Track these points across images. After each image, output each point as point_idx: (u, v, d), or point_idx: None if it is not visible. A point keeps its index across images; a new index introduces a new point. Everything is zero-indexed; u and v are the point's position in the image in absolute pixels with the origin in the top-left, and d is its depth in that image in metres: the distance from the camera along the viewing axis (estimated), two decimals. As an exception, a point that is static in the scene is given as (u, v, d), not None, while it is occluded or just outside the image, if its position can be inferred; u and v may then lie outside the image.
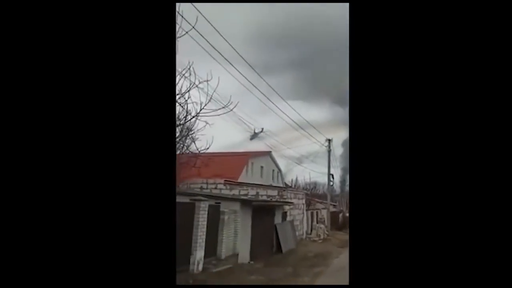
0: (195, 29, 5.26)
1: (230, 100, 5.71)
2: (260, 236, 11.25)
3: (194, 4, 5.75)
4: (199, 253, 8.09)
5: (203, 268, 8.14)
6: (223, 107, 5.59)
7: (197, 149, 7.36)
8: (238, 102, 5.75)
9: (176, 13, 4.77)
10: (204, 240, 8.29)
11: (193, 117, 5.58)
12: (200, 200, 8.42)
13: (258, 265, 9.77)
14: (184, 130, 10.38)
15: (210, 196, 9.85)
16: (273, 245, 12.37)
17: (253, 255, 10.50)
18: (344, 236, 18.49)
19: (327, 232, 18.83)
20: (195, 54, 6.20)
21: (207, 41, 7.87)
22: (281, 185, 20.81)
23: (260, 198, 13.86)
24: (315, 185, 32.92)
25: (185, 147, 11.14)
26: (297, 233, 15.53)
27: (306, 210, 18.79)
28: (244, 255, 10.28)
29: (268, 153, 21.35)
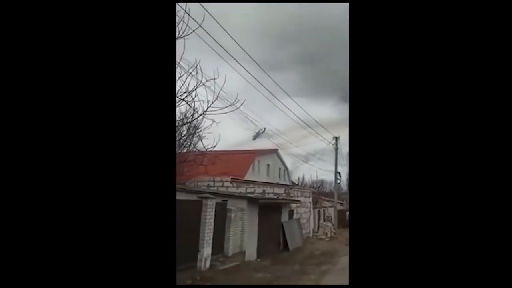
0: (201, 27, 5.28)
1: (236, 98, 5.72)
2: (267, 234, 11.27)
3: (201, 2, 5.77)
4: (206, 250, 8.14)
5: (211, 265, 8.20)
6: (230, 105, 5.61)
7: (204, 147, 7.40)
8: (244, 100, 5.76)
9: (183, 12, 4.80)
10: (211, 237, 8.35)
11: (200, 115, 5.60)
12: (207, 198, 8.47)
13: (265, 262, 9.80)
14: (191, 128, 10.45)
15: (217, 194, 9.90)
16: (280, 243, 12.39)
17: (260, 253, 10.54)
18: (351, 234, 18.38)
19: (334, 230, 18.78)
20: (202, 52, 6.23)
21: (214, 39, 7.90)
22: (288, 183, 20.79)
23: (267, 196, 13.87)
24: (322, 183, 32.88)
25: (192, 145, 11.21)
26: (304, 231, 15.52)
27: (313, 208, 18.75)
28: (251, 253, 10.32)
29: (275, 151, 21.34)
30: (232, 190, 13.75)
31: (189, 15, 4.84)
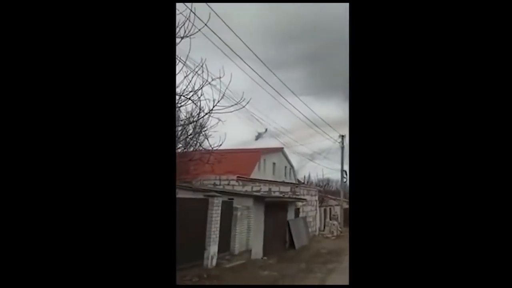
0: (207, 26, 5.30)
1: (242, 97, 5.72)
2: (273, 232, 11.29)
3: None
4: (212, 248, 8.19)
5: (217, 263, 8.24)
6: (236, 104, 5.62)
7: (210, 146, 7.42)
8: (250, 99, 5.76)
9: (189, 11, 4.81)
10: (217, 235, 8.39)
11: (206, 114, 5.62)
12: (213, 196, 8.51)
13: (271, 261, 9.82)
14: (197, 127, 10.49)
15: (223, 192, 9.94)
16: (286, 241, 12.40)
17: (266, 251, 10.56)
18: (357, 232, 18.29)
19: (340, 229, 18.72)
20: (208, 51, 6.25)
21: (220, 38, 7.91)
22: (294, 182, 20.77)
23: (273, 194, 13.88)
24: (328, 181, 32.78)
25: (198, 144, 11.26)
26: (310, 229, 15.51)
27: (319, 206, 18.72)
28: (257, 251, 10.35)
29: (280, 150, 21.33)
30: (238, 188, 13.78)
31: (195, 14, 4.87)
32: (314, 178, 30.53)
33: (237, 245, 9.58)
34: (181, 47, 4.91)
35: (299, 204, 14.55)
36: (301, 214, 14.69)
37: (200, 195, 8.87)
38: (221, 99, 5.41)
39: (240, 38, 8.54)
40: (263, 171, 18.89)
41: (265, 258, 10.20)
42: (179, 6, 4.93)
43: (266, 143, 20.00)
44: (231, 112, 5.56)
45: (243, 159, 17.24)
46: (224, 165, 11.87)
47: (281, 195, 13.93)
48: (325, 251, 12.11)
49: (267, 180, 15.46)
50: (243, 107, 5.65)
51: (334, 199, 22.43)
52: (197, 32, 4.96)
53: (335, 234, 17.49)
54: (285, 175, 21.96)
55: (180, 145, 12.19)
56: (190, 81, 5.26)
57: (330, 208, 21.50)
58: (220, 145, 6.94)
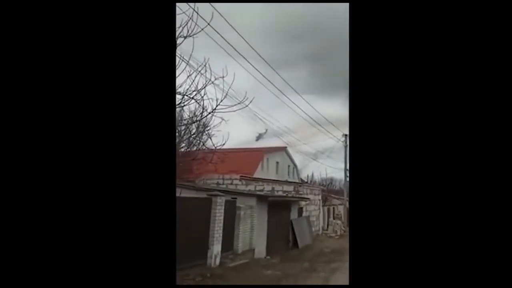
0: (210, 25, 5.30)
1: (245, 96, 5.73)
2: (276, 231, 11.29)
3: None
4: (216, 248, 8.20)
5: (220, 262, 8.26)
6: (239, 103, 5.62)
7: (213, 145, 7.44)
8: (253, 98, 5.76)
9: (192, 10, 4.82)
10: (221, 234, 8.40)
11: (209, 113, 5.63)
12: (216, 196, 8.52)
13: (274, 260, 9.82)
14: (200, 127, 10.52)
15: (226, 192, 9.96)
16: (289, 241, 12.40)
17: (269, 250, 10.56)
18: (361, 232, 18.24)
19: (343, 228, 18.69)
20: (211, 50, 6.25)
21: (222, 37, 7.91)
22: (297, 181, 20.76)
23: (276, 193, 13.88)
24: (331, 180, 32.73)
25: (201, 143, 11.29)
26: (313, 228, 15.49)
27: (323, 205, 18.69)
28: (260, 250, 10.35)
29: (284, 149, 21.31)
30: (241, 187, 13.79)
31: (198, 13, 4.87)
32: (317, 177, 30.52)
33: (241, 244, 9.59)
34: (184, 47, 4.92)
35: (303, 203, 14.54)
36: (304, 213, 14.67)
37: (203, 194, 8.89)
38: (224, 98, 5.42)
39: (243, 38, 8.54)
40: (266, 170, 18.89)
41: (268, 257, 10.21)
42: (182, 5, 4.94)
43: (269, 142, 20.02)
44: (234, 111, 5.58)
45: (246, 158, 17.25)
46: (227, 164, 11.90)
47: (284, 194, 13.92)
48: (328, 250, 12.09)
49: (270, 180, 15.45)
50: (246, 106, 5.66)
51: (337, 198, 22.39)
52: (200, 31, 4.97)
53: (338, 233, 17.46)
54: (288, 174, 21.94)
55: (184, 145, 12.23)
56: (193, 81, 5.28)
57: (333, 207, 21.46)
58: (223, 144, 6.96)
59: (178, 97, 5.31)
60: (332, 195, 22.68)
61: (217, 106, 5.37)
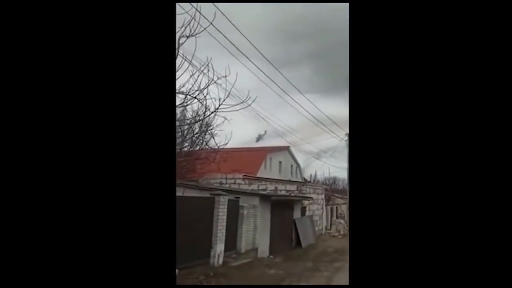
0: (213, 25, 5.30)
1: (248, 95, 5.73)
2: (279, 230, 11.29)
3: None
4: (219, 247, 8.22)
5: (223, 262, 8.27)
6: (241, 103, 5.62)
7: (216, 145, 7.45)
8: (256, 97, 5.76)
9: (195, 10, 4.82)
10: (224, 234, 8.41)
11: (212, 112, 5.63)
12: (219, 195, 8.53)
13: (277, 259, 9.82)
14: (203, 126, 10.53)
15: (229, 191, 9.97)
16: (292, 240, 12.39)
17: (272, 250, 10.56)
18: (364, 231, 18.20)
19: (347, 228, 18.64)
20: (213, 50, 6.25)
21: (225, 37, 7.91)
22: (300, 180, 20.74)
23: (279, 193, 13.88)
24: (334, 180, 32.63)
25: (204, 143, 11.31)
26: (316, 228, 15.47)
27: (326, 205, 18.66)
28: (263, 249, 10.36)
29: (287, 148, 21.30)
30: (244, 187, 13.80)
31: (200, 13, 4.87)
32: (320, 176, 30.45)
33: (244, 244, 9.60)
34: (187, 46, 4.93)
35: (306, 202, 14.52)
36: (307, 213, 14.66)
37: (206, 194, 8.91)
38: (226, 97, 5.42)
39: (245, 37, 8.54)
40: (269, 169, 18.89)
41: (271, 256, 10.21)
42: (185, 5, 4.95)
43: (272, 142, 20.03)
44: (237, 110, 5.57)
45: (249, 158, 17.26)
46: (230, 163, 11.92)
47: (287, 194, 13.92)
48: (331, 250, 12.07)
49: (273, 179, 15.45)
50: (249, 105, 5.66)
51: (340, 198, 22.34)
52: (202, 31, 4.98)
53: (341, 232, 17.42)
54: (291, 174, 21.92)
55: (187, 144, 12.26)
56: (196, 80, 5.28)
57: (336, 207, 21.42)
58: (226, 143, 6.97)
59: (181, 96, 5.32)
60: (335, 195, 22.64)
61: (219, 105, 5.37)
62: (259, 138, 19.27)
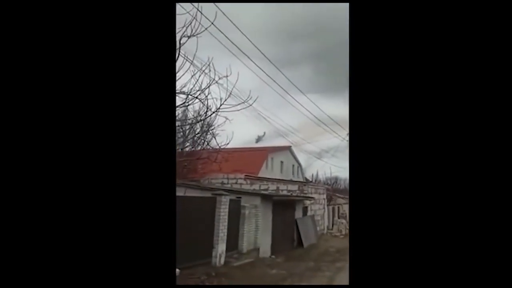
0: (214, 25, 5.30)
1: (249, 95, 5.72)
2: (281, 230, 11.29)
3: None
4: (221, 247, 8.22)
5: (225, 262, 8.28)
6: (243, 102, 5.61)
7: (218, 145, 7.44)
8: (257, 97, 5.76)
9: (196, 10, 4.82)
10: (225, 233, 8.42)
11: (213, 112, 5.63)
12: (221, 195, 8.54)
13: (279, 259, 9.82)
14: (204, 126, 10.54)
15: (231, 191, 9.98)
16: (294, 240, 12.38)
17: (274, 249, 10.56)
18: (366, 231, 18.18)
19: (348, 227, 18.62)
20: (215, 50, 6.26)
21: (226, 37, 7.91)
22: (302, 180, 20.72)
23: (281, 193, 13.87)
24: (336, 180, 32.63)
25: (206, 143, 11.31)
26: (318, 228, 15.46)
27: (327, 205, 18.64)
28: (265, 249, 10.36)
29: (288, 148, 21.29)
30: (246, 187, 13.80)
31: (201, 13, 4.87)
32: (322, 176, 30.45)
33: (245, 244, 9.60)
34: (188, 46, 4.93)
35: (307, 202, 14.51)
36: (309, 213, 14.64)
37: (208, 194, 8.92)
38: (228, 97, 5.42)
39: (246, 37, 8.55)
40: (270, 169, 18.88)
41: (273, 256, 10.21)
42: (186, 5, 4.95)
43: (273, 142, 20.04)
44: (238, 110, 5.57)
45: (251, 158, 17.26)
46: (231, 163, 11.92)
47: (289, 194, 13.91)
48: (333, 250, 12.06)
49: (275, 179, 15.45)
50: (250, 105, 5.65)
51: (342, 198, 22.31)
52: (203, 31, 4.97)
53: (343, 232, 17.40)
54: (293, 174, 21.91)
55: (188, 144, 12.27)
56: (197, 80, 5.28)
57: (338, 207, 21.40)
58: (228, 143, 6.96)
59: (182, 96, 5.32)
60: (337, 194, 22.61)
61: (221, 105, 5.37)
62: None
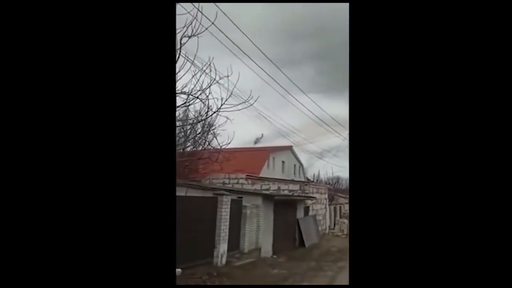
0: (214, 25, 5.30)
1: (250, 95, 5.73)
2: (282, 230, 11.28)
3: None
4: (222, 247, 8.23)
5: (227, 261, 8.28)
6: (244, 102, 5.62)
7: (219, 145, 7.44)
8: (258, 97, 5.76)
9: (196, 10, 4.82)
10: (227, 233, 8.42)
11: (214, 112, 5.64)
12: (222, 195, 8.54)
13: (280, 259, 9.82)
14: (205, 126, 10.55)
15: (232, 191, 9.98)
16: (296, 240, 12.38)
17: (275, 249, 10.56)
18: (368, 231, 18.16)
19: (350, 227, 18.59)
20: (215, 50, 6.26)
21: (227, 37, 7.91)
22: (303, 180, 20.71)
23: (282, 192, 13.87)
24: (338, 179, 32.57)
25: (207, 143, 11.32)
26: (319, 227, 15.44)
27: (329, 204, 18.63)
28: (266, 249, 10.36)
29: (289, 148, 21.28)
30: (247, 187, 13.80)
31: (202, 13, 4.87)
32: (323, 176, 30.39)
33: (247, 244, 9.60)
34: (189, 46, 4.93)
35: (309, 202, 14.50)
36: (310, 212, 14.63)
37: (209, 194, 8.92)
38: (229, 97, 5.42)
39: (247, 37, 8.55)
40: (272, 169, 18.88)
41: (274, 256, 10.20)
42: (187, 5, 4.96)
43: (275, 141, 20.05)
44: (239, 110, 5.57)
45: (252, 158, 17.26)
46: (233, 163, 11.91)
47: (290, 194, 13.90)
48: (335, 249, 12.05)
49: (276, 179, 15.44)
50: (251, 105, 5.66)
51: (344, 197, 22.28)
52: (204, 31, 4.98)
53: (345, 232, 17.38)
54: (294, 173, 21.90)
55: (189, 144, 12.28)
56: (198, 80, 5.29)
57: (340, 206, 21.38)
58: (229, 143, 6.97)
59: (183, 96, 5.33)
60: (339, 194, 22.59)
61: (222, 105, 5.38)
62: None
